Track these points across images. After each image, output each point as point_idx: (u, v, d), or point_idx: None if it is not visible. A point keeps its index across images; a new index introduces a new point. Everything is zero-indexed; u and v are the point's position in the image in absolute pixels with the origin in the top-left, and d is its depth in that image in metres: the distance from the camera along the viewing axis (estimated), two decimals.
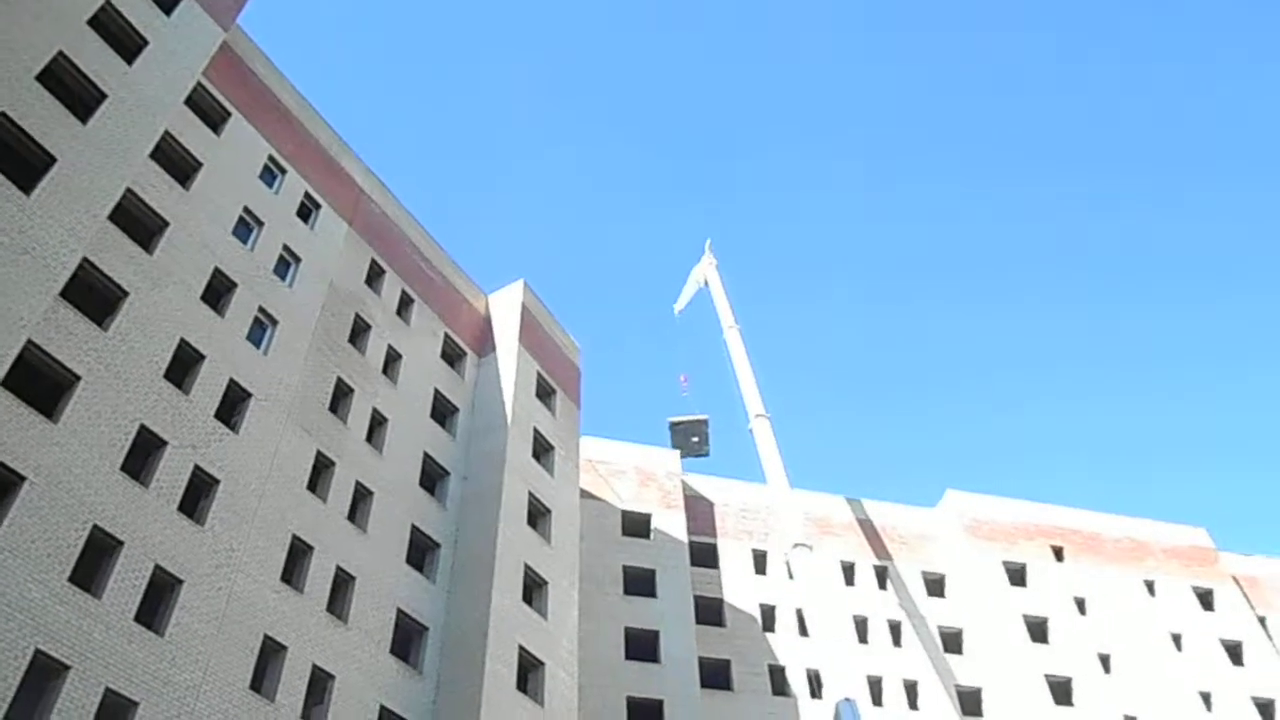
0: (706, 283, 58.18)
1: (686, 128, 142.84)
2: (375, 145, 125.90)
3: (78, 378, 21.35)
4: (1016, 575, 47.33)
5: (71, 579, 19.33)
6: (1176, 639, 46.41)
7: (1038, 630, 44.86)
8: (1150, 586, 48.94)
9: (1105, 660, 44.43)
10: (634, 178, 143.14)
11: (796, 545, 39.99)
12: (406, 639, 28.00)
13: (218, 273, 27.10)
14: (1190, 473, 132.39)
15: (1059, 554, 49.21)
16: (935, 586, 47.39)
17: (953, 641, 44.91)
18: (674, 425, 52.36)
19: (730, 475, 49.92)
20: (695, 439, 51.98)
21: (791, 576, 43.64)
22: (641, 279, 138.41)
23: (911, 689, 42.02)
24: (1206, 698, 43.93)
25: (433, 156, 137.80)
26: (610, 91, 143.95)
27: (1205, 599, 49.21)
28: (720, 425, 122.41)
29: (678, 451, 48.86)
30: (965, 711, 41.96)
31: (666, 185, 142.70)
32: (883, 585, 46.49)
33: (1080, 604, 46.83)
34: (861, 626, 43.92)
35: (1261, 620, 49.19)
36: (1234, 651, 46.72)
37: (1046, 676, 42.47)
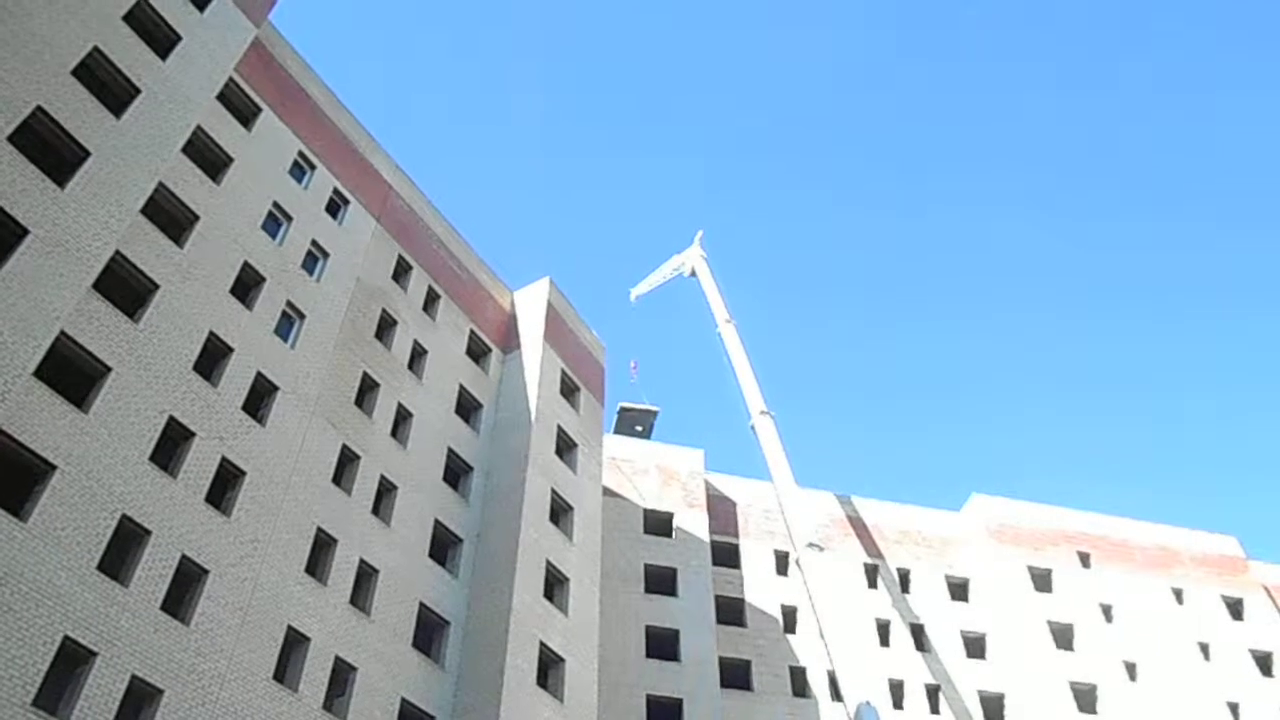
0: (694, 273, 57.30)
1: (707, 126, 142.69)
2: (401, 141, 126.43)
3: (108, 369, 21.64)
4: (1042, 580, 46.88)
5: (100, 567, 19.60)
6: (1204, 648, 45.81)
7: (1063, 636, 44.41)
8: (1179, 594, 48.35)
9: (1131, 668, 43.93)
10: (643, 178, 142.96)
11: (809, 545, 39.45)
12: (428, 633, 28.18)
13: (247, 267, 27.40)
14: (1221, 481, 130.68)
15: (1085, 560, 48.69)
16: (959, 590, 47.01)
17: (976, 646, 44.54)
18: (623, 411, 52.79)
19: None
20: (639, 428, 52.79)
21: (803, 577, 43.28)
22: (634, 265, 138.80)
23: (933, 693, 41.70)
24: (1235, 708, 43.31)
25: (455, 152, 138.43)
26: (632, 91, 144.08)
27: (1235, 608, 48.55)
28: (710, 417, 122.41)
29: (701, 451, 48.73)
30: (988, 717, 41.62)
31: (676, 185, 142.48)
32: (906, 588, 46.19)
33: (1106, 611, 46.34)
34: (884, 629, 43.65)
35: None
36: (1263, 662, 46.10)
37: (1071, 683, 42.05)
